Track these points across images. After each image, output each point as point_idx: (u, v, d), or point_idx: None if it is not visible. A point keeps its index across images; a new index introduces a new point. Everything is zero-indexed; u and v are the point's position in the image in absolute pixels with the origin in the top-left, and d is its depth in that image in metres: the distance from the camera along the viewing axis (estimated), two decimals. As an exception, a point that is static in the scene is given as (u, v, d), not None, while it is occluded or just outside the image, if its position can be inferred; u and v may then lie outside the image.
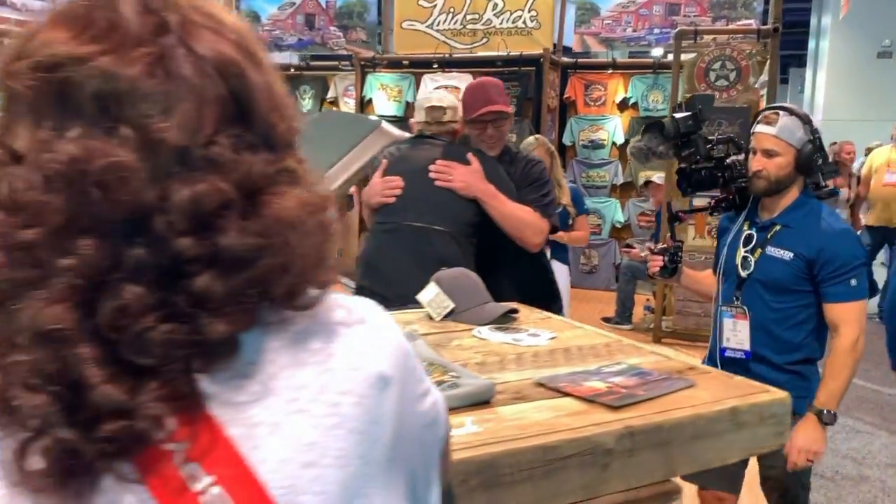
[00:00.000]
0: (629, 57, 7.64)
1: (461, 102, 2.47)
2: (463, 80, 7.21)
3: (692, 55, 5.52)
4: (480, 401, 1.17)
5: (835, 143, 11.66)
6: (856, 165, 7.76)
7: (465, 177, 2.24)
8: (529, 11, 7.11)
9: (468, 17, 7.26)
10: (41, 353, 0.48)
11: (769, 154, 2.13)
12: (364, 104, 7.42)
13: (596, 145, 7.19)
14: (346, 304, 0.61)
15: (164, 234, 0.50)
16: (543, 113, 6.97)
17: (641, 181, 7.03)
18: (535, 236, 2.34)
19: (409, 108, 7.41)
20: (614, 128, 7.12)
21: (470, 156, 2.28)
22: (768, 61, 5.35)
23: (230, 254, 0.51)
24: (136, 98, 0.51)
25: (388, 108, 7.38)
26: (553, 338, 1.57)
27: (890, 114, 14.51)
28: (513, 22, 7.15)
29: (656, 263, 2.36)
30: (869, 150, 7.82)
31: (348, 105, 7.72)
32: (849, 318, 2.07)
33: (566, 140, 7.17)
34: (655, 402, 1.19)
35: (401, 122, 7.29)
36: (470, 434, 1.05)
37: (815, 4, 17.61)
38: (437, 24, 7.36)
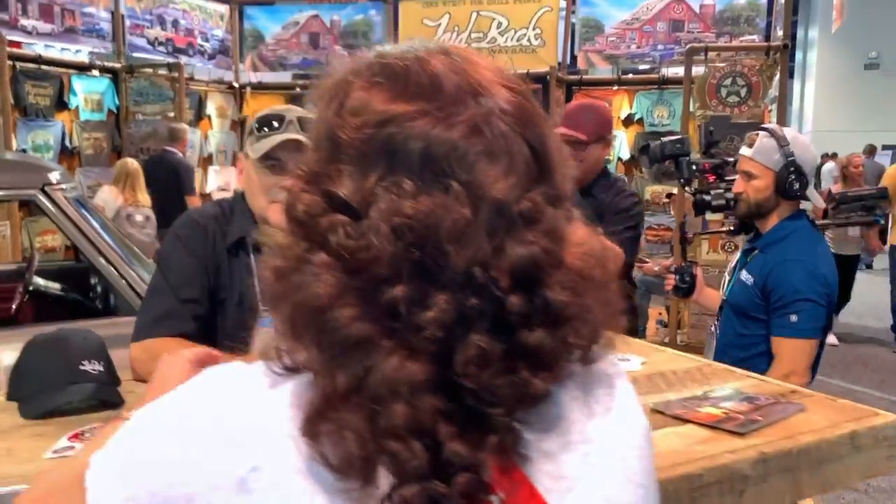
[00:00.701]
0: (622, 73, 7.65)
1: None
2: (470, 97, 7.27)
3: (700, 70, 5.60)
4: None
5: (826, 154, 11.80)
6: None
7: None
8: (534, 29, 7.19)
9: (473, 36, 7.32)
10: (402, 407, 0.49)
11: (748, 176, 2.10)
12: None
13: (602, 161, 7.25)
14: (608, 356, 0.63)
15: (496, 287, 0.52)
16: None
17: (663, 195, 7.10)
18: None
19: (417, 125, 7.45)
20: (620, 144, 7.16)
21: None
22: (777, 76, 5.44)
23: (556, 308, 0.53)
24: (461, 155, 0.53)
25: (395, 126, 7.42)
26: (644, 362, 1.59)
27: (877, 124, 14.76)
28: (517, 40, 7.22)
29: (670, 282, 2.41)
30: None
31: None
32: (782, 354, 2.00)
33: (572, 156, 7.22)
34: (776, 427, 1.22)
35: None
36: (613, 464, 1.07)
37: (802, 17, 17.86)
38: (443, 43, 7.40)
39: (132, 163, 5.48)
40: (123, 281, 2.62)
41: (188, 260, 1.57)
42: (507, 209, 0.54)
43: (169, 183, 5.84)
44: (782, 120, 5.33)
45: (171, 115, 6.67)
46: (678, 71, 7.18)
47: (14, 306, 3.17)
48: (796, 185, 2.06)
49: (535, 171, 0.57)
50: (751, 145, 2.11)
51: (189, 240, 1.59)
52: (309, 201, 0.54)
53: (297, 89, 7.78)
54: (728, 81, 5.42)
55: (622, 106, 7.14)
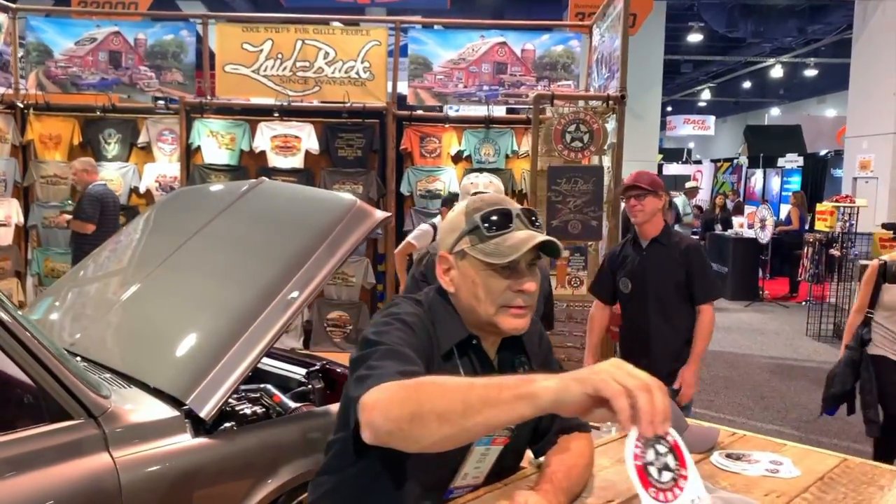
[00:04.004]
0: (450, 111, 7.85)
1: None
2: (304, 129, 6.98)
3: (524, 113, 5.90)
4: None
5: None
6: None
7: None
8: (362, 63, 7.09)
9: (298, 65, 7.06)
10: None
11: None
12: (191, 151, 6.85)
13: (433, 195, 7.32)
14: None
15: None
16: (389, 164, 6.97)
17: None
18: None
19: (244, 156, 6.98)
20: (450, 179, 7.30)
21: None
22: (612, 124, 5.88)
23: None
24: None
25: (219, 157, 6.89)
26: (791, 463, 1.62)
27: (629, 154, 16.60)
28: (345, 72, 7.08)
29: None
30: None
31: (164, 151, 7.06)
32: None
33: (404, 190, 7.21)
34: None
35: (236, 171, 6.83)
36: None
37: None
38: (265, 70, 7.05)
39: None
40: (58, 385, 2.13)
41: (417, 343, 1.35)
42: None
43: None
44: (619, 165, 5.77)
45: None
46: (502, 111, 7.53)
47: None
48: None
49: None
50: None
51: (418, 330, 1.38)
52: None
53: (98, 112, 6.93)
54: (572, 128, 5.77)
55: (451, 143, 7.28)
